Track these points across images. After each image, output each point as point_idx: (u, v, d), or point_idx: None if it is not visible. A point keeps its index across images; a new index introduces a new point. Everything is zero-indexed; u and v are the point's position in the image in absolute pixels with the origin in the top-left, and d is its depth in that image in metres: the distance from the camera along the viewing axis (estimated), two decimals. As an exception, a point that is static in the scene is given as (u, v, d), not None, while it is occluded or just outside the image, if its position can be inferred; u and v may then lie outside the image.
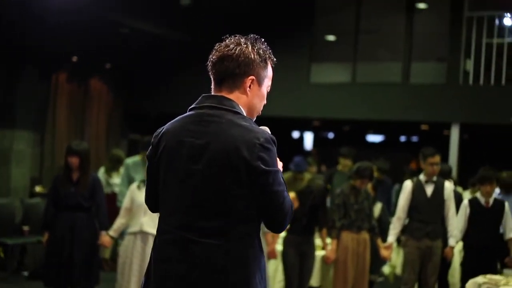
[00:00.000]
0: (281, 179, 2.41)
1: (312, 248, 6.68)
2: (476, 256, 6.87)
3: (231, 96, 2.50)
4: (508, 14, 10.53)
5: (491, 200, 6.95)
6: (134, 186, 6.31)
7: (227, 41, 2.55)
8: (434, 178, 6.99)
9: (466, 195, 8.78)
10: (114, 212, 7.43)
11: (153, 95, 12.51)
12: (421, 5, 11.27)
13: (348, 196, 6.87)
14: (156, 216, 5.95)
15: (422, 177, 7.03)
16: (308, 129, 16.22)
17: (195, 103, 2.54)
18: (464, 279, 6.85)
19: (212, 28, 11.82)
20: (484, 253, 6.84)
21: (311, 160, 10.11)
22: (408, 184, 7.05)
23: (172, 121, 2.57)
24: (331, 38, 12.25)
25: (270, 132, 2.51)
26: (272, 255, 6.55)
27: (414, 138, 15.75)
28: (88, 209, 6.37)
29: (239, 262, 2.38)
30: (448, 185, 7.04)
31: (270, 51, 2.58)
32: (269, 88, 2.62)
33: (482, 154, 12.18)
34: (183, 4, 10.14)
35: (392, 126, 13.80)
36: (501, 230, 6.98)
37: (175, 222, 2.43)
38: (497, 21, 10.43)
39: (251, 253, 2.40)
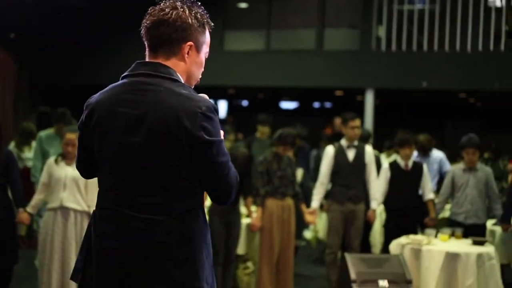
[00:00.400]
0: (225, 149, 2.30)
1: (237, 216, 6.62)
2: (397, 218, 7.03)
3: (168, 63, 2.34)
4: (418, -19, 10.74)
5: (410, 163, 7.11)
6: (51, 160, 6.04)
7: (161, 4, 2.38)
8: (355, 143, 7.07)
9: (382, 159, 8.95)
10: (28, 187, 7.12)
11: (61, 67, 12.04)
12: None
13: (271, 163, 6.84)
14: (76, 191, 5.80)
15: (343, 142, 7.09)
16: (222, 97, 16.12)
17: (128, 70, 2.37)
18: (386, 240, 7.01)
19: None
20: (405, 214, 7.01)
21: (228, 128, 10.04)
22: (330, 150, 7.10)
23: (103, 90, 2.40)
24: (244, 5, 12.14)
25: (210, 100, 2.40)
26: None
27: (328, 104, 15.95)
28: (1, 186, 6.06)
29: (184, 238, 2.26)
30: (369, 149, 7.14)
31: (207, 15, 2.43)
32: (207, 54, 2.46)
33: (395, 118, 12.49)
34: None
35: (306, 93, 13.91)
36: (420, 192, 7.17)
37: (114, 198, 2.29)
38: (407, -12, 10.62)
39: (196, 228, 2.28)
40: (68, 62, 11.94)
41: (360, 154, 7.04)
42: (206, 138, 2.21)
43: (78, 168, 2.54)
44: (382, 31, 10.52)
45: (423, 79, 10.00)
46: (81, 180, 5.88)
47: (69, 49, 11.89)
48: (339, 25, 11.24)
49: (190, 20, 2.35)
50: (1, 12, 10.62)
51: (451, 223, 7.01)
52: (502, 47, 9.86)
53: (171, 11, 2.34)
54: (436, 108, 14.00)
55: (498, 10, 10.31)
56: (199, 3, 2.41)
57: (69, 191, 5.84)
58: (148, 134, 2.23)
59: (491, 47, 9.89)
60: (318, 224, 8.17)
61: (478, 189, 6.96)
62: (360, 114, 10.55)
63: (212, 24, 2.44)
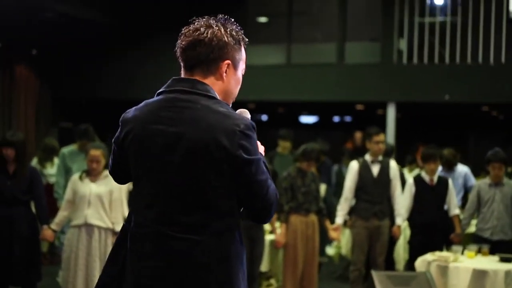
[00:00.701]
0: (264, 167, 2.27)
1: (261, 232, 6.58)
2: (423, 234, 6.95)
3: (205, 81, 2.32)
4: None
5: (435, 178, 7.03)
6: (75, 177, 6.04)
7: (195, 24, 2.35)
8: (380, 158, 7.01)
9: (405, 174, 8.87)
10: (50, 204, 7.13)
11: (82, 81, 12.09)
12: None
13: (295, 178, 6.80)
14: (100, 208, 5.79)
15: (367, 157, 7.03)
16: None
17: (164, 86, 2.35)
18: (411, 257, 6.92)
19: (140, 12, 11.56)
20: (430, 230, 6.93)
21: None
22: (354, 165, 7.04)
23: (139, 106, 2.38)
24: (264, 20, 12.14)
25: (249, 116, 2.38)
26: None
27: (348, 118, 15.89)
28: (26, 202, 6.09)
29: (221, 259, 2.23)
30: (394, 164, 7.08)
31: (242, 31, 2.41)
32: (243, 71, 2.44)
33: (417, 132, 12.40)
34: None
35: (325, 107, 13.84)
36: (445, 207, 7.08)
37: (152, 216, 2.26)
38: (428, 1, 10.54)
39: (233, 249, 2.26)
40: (89, 77, 11.99)
41: (384, 169, 6.98)
42: (245, 157, 2.19)
43: (112, 175, 2.54)
44: (403, 44, 10.46)
45: (445, 92, 9.91)
46: (106, 197, 5.88)
47: (91, 63, 11.94)
48: (360, 38, 11.19)
49: (226, 39, 2.32)
50: (23, 28, 10.70)
51: (477, 239, 6.91)
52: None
53: (206, 30, 2.31)
54: (458, 121, 13.89)
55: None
56: (233, 20, 2.38)
57: (94, 208, 5.84)
58: (186, 152, 2.21)
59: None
60: (341, 240, 8.09)
61: (504, 204, 6.87)
62: (382, 128, 10.52)
63: (247, 40, 2.41)
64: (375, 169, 6.97)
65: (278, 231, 6.72)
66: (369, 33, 11.25)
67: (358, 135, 11.91)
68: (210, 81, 2.32)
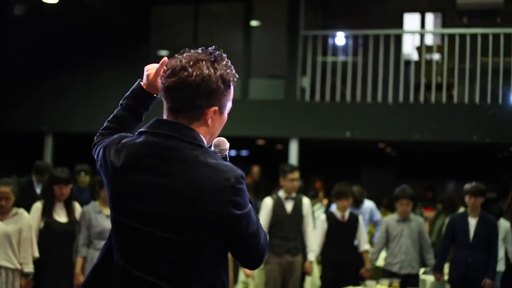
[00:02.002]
0: (253, 215, 2.16)
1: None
2: (334, 269, 7.06)
3: (191, 126, 2.17)
4: (341, 34, 11.03)
5: (346, 214, 7.19)
6: (-18, 215, 5.69)
7: (183, 57, 2.18)
8: (293, 195, 7.08)
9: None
10: None
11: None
12: (258, 23, 11.47)
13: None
14: (8, 248, 5.47)
15: (281, 193, 7.08)
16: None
17: (146, 126, 2.19)
18: (324, 292, 7.02)
19: (45, 43, 11.24)
20: (341, 266, 7.05)
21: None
22: (268, 201, 7.08)
23: (119, 144, 2.19)
24: (166, 53, 12.07)
25: (228, 145, 2.31)
26: None
27: (244, 153, 15.99)
28: None
29: None
30: (306, 201, 7.17)
31: (232, 68, 2.23)
32: (230, 108, 2.29)
33: (316, 167, 12.65)
34: (17, 14, 9.45)
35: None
36: (355, 243, 7.24)
37: (128, 261, 2.13)
38: (331, 41, 10.87)
39: None
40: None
41: (297, 206, 7.06)
42: (236, 213, 2.06)
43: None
44: (306, 82, 10.70)
45: (346, 129, 10.21)
46: (14, 236, 5.59)
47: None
48: (264, 75, 11.36)
49: (215, 84, 2.15)
50: None
51: (386, 273, 7.11)
52: (421, 98, 10.23)
53: (194, 72, 2.13)
54: (354, 157, 14.32)
55: (417, 63, 10.73)
56: (221, 54, 2.22)
57: (1, 248, 5.53)
58: (170, 207, 2.07)
59: (411, 99, 10.24)
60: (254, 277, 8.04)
61: (412, 239, 7.12)
62: (282, 163, 10.67)
63: (237, 76, 2.26)
64: (289, 206, 7.03)
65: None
66: (273, 70, 11.45)
67: (255, 169, 12.03)
68: (195, 126, 2.17)
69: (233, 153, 16.44)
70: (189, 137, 2.13)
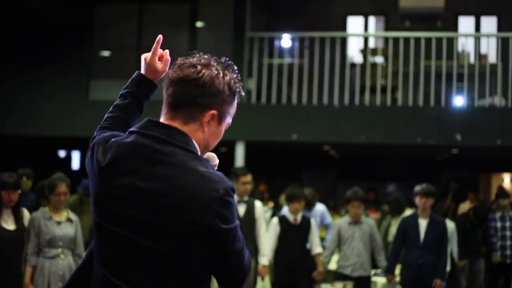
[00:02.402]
0: (240, 234, 2.04)
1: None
2: (286, 273, 7.02)
3: (184, 129, 2.05)
4: (287, 36, 11.04)
5: (298, 218, 7.17)
6: None
7: (194, 58, 2.09)
8: (246, 198, 7.02)
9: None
10: None
11: None
12: (203, 24, 11.36)
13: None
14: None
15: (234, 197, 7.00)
16: (76, 148, 15.49)
17: (137, 126, 2.07)
18: (277, 296, 6.97)
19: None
20: (294, 269, 7.02)
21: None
22: (220, 205, 6.97)
23: (109, 141, 2.08)
24: (111, 54, 11.82)
25: (217, 161, 2.21)
26: None
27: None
28: None
29: None
30: (258, 204, 7.12)
31: (241, 83, 2.15)
32: (228, 126, 2.18)
33: (261, 170, 12.62)
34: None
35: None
36: (307, 246, 7.23)
37: (114, 274, 2.00)
38: (277, 43, 10.86)
39: None
40: None
41: (250, 209, 6.99)
42: (222, 227, 1.93)
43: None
44: (252, 84, 10.65)
45: (293, 132, 10.21)
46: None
47: None
48: (210, 77, 11.26)
49: (221, 87, 2.06)
50: None
51: (338, 276, 7.12)
52: (367, 101, 10.34)
53: (203, 70, 2.05)
54: (296, 159, 14.36)
55: (362, 66, 10.83)
56: (233, 65, 2.14)
57: None
58: (154, 213, 1.95)
59: (356, 101, 10.33)
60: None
61: (363, 242, 7.16)
62: (228, 166, 10.59)
63: (243, 93, 2.16)
64: (241, 209, 6.96)
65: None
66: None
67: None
68: (189, 128, 2.06)
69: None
70: (181, 142, 2.02)
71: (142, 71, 2.47)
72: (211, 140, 2.13)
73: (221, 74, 2.08)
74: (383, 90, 10.48)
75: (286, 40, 11.10)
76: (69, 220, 5.83)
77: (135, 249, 1.97)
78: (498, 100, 10.18)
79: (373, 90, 10.52)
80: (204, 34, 11.30)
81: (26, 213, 5.84)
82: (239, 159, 10.51)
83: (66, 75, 11.08)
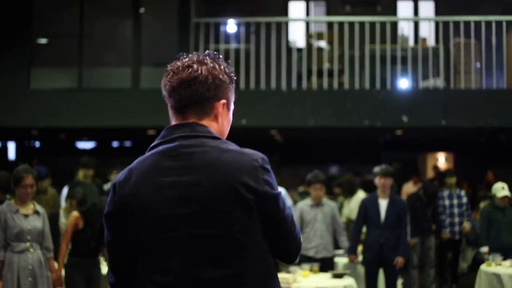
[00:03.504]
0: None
1: (98, 270, 6.19)
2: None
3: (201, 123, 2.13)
4: (233, 21, 11.01)
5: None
6: None
7: (184, 60, 2.15)
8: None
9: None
10: None
11: None
12: (147, 11, 11.18)
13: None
14: None
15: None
16: (12, 138, 15.01)
17: (158, 138, 2.12)
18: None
19: None
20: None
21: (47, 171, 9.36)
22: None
23: (131, 166, 2.10)
24: (52, 42, 11.50)
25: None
26: (59, 282, 5.90)
27: (127, 143, 15.63)
28: None
29: None
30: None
31: (231, 69, 2.24)
32: (232, 109, 2.26)
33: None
34: None
35: (105, 132, 13.44)
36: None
37: (173, 280, 1.98)
38: (223, 28, 10.82)
39: None
40: None
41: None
42: (272, 192, 2.02)
43: (112, 280, 2.14)
44: (199, 70, 10.57)
45: (242, 117, 10.21)
46: None
47: None
48: (156, 63, 11.09)
49: (222, 76, 2.15)
50: None
51: (301, 258, 7.20)
52: (314, 85, 10.45)
53: (199, 67, 2.11)
54: (241, 144, 14.35)
55: (308, 50, 10.90)
56: (219, 55, 2.21)
57: None
58: (206, 200, 1.97)
59: (304, 86, 10.42)
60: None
61: (326, 223, 7.27)
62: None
63: (235, 77, 2.25)
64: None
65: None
66: (165, 59, 11.21)
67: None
68: (205, 122, 2.13)
69: (115, 144, 16.02)
70: (203, 132, 2.09)
71: None
72: (225, 128, 2.21)
73: (217, 65, 2.15)
74: (330, 74, 10.61)
75: (231, 26, 11.07)
76: (36, 212, 5.68)
77: (197, 244, 1.97)
78: (441, 82, 10.48)
79: (320, 74, 10.63)
80: (148, 20, 11.13)
81: (-10, 207, 5.65)
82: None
83: (6, 64, 10.70)
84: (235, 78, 2.22)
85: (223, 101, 2.15)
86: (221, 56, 2.22)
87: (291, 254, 2.14)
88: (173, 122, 2.15)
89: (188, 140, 2.05)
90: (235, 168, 2.00)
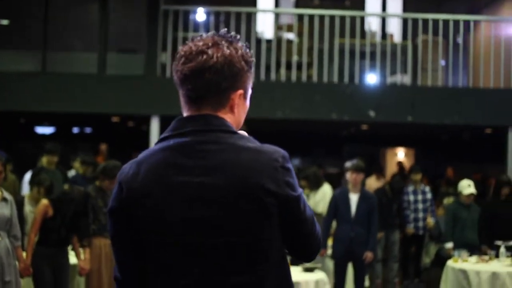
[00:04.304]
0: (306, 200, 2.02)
1: (67, 259, 6.05)
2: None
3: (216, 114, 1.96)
4: (202, 10, 10.88)
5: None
6: None
7: (198, 42, 1.94)
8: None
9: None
10: None
11: None
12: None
13: (95, 199, 6.38)
14: None
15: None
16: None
17: (168, 130, 1.95)
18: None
19: None
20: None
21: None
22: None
23: (138, 159, 1.94)
24: (16, 24, 11.19)
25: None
26: (27, 272, 5.74)
27: (88, 130, 15.35)
28: None
29: None
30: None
31: (250, 50, 2.02)
32: (250, 95, 2.09)
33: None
34: None
35: (65, 117, 13.16)
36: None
37: (189, 285, 1.88)
38: (192, 16, 10.69)
39: None
40: None
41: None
42: (293, 194, 1.89)
43: (119, 280, 2.01)
44: (166, 58, 10.44)
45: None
46: None
47: None
48: (123, 49, 10.92)
49: (239, 64, 1.94)
50: None
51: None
52: (283, 77, 10.42)
53: (214, 53, 1.91)
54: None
55: (278, 42, 10.85)
56: (236, 35, 2.01)
57: None
58: (222, 203, 1.84)
59: (273, 77, 10.37)
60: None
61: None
62: (142, 141, 10.38)
63: (254, 60, 2.06)
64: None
65: (82, 256, 6.22)
66: (133, 45, 11.04)
67: (103, 147, 11.65)
68: (220, 114, 1.95)
69: (75, 130, 15.73)
70: (219, 125, 1.92)
71: None
72: (241, 118, 2.04)
73: (234, 50, 1.95)
74: (299, 66, 10.58)
75: (201, 14, 10.95)
76: (4, 199, 5.50)
77: (212, 251, 1.86)
78: (408, 79, 10.57)
79: (288, 66, 10.60)
80: (116, 6, 10.93)
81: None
82: (154, 134, 10.31)
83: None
84: (254, 62, 2.03)
85: (240, 91, 1.97)
86: (238, 37, 2.01)
87: (310, 254, 2.04)
88: (185, 113, 1.98)
89: (203, 135, 1.89)
90: (254, 170, 1.85)
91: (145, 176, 1.89)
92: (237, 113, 1.99)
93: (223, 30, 2.02)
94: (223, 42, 1.96)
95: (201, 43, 1.94)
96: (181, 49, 1.97)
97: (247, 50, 2.01)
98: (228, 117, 1.96)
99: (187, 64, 1.92)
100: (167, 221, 1.87)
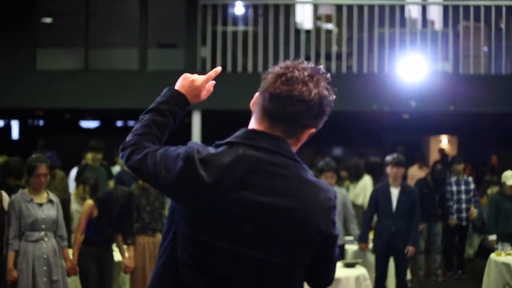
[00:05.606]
0: None
1: (112, 257, 6.19)
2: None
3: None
4: (240, 3, 10.90)
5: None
6: None
7: (301, 70, 2.00)
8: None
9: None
10: None
11: None
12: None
13: (139, 197, 6.50)
14: None
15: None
16: (15, 117, 14.97)
17: (238, 137, 2.02)
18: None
19: None
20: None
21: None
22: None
23: (213, 150, 1.99)
24: (59, 22, 11.39)
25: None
26: (74, 271, 5.90)
27: (131, 123, 15.57)
28: None
29: None
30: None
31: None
32: None
33: (216, 140, 12.53)
34: None
35: (108, 112, 13.38)
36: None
37: None
38: (230, 10, 10.71)
39: None
40: None
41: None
42: (335, 233, 2.03)
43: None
44: (206, 52, 10.50)
45: (248, 100, 10.12)
46: None
47: None
48: (163, 45, 11.01)
49: (326, 108, 2.04)
50: None
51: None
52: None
53: (315, 91, 1.99)
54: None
55: (317, 33, 10.82)
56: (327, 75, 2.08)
57: None
58: (279, 228, 1.95)
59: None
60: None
61: (337, 211, 7.25)
62: (187, 135, 10.48)
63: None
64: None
65: (126, 254, 6.35)
66: (173, 40, 11.13)
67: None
68: (289, 141, 2.04)
69: (119, 124, 15.97)
70: (288, 152, 2.01)
71: (183, 90, 2.39)
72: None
73: (327, 93, 2.04)
74: (338, 57, 10.54)
75: (239, 8, 10.97)
76: (50, 201, 5.65)
77: (251, 264, 1.96)
78: (449, 66, 10.43)
79: (328, 57, 10.56)
80: (155, 1, 11.01)
81: (5, 196, 5.62)
82: (196, 128, 10.42)
83: (12, 44, 10.60)
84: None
85: (313, 130, 2.06)
86: (328, 75, 2.08)
87: (326, 284, 2.17)
88: (256, 124, 2.05)
89: (272, 157, 1.97)
90: (312, 205, 1.96)
91: (215, 173, 1.94)
92: (299, 146, 2.08)
93: (322, 69, 2.08)
94: (323, 82, 2.04)
95: (305, 74, 2.00)
96: (286, 66, 2.03)
97: (333, 97, 2.08)
98: (293, 148, 2.05)
99: (287, 85, 1.99)
100: (223, 226, 1.95)
